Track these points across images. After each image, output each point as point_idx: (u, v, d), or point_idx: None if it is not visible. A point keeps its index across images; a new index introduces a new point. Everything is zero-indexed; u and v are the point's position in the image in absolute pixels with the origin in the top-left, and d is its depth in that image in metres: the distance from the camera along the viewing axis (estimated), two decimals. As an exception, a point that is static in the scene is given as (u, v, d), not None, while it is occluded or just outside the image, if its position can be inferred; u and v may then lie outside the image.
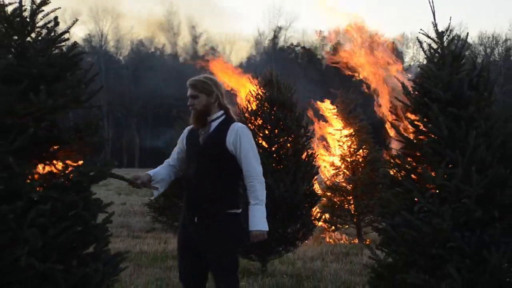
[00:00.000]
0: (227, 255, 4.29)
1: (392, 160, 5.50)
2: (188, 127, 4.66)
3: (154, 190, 4.54)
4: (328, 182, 12.94)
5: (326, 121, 13.55)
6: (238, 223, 4.33)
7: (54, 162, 4.14)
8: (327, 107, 13.39)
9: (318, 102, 13.62)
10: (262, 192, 4.39)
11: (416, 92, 5.35)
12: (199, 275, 4.41)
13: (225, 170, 4.31)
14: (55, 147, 4.15)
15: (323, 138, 13.59)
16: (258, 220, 4.29)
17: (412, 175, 5.19)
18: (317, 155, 12.07)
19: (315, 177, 8.98)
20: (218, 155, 4.30)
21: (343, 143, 12.97)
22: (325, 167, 13.16)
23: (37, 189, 3.96)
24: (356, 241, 12.35)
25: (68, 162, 4.13)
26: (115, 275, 4.37)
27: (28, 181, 3.97)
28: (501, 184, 4.89)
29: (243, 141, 4.31)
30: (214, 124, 4.45)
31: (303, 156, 8.66)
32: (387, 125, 7.97)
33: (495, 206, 4.86)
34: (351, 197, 12.55)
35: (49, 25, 4.25)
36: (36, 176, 4.05)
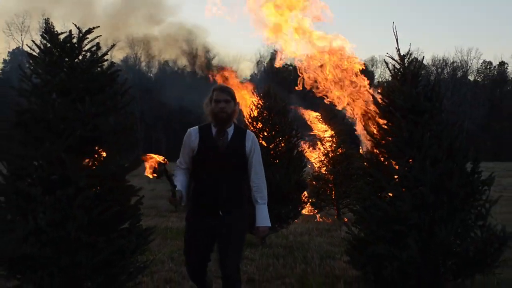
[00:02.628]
0: (243, 234, 4.02)
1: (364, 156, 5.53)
2: (193, 130, 4.00)
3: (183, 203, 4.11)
4: (315, 174, 12.91)
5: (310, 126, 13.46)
6: (248, 211, 4.04)
7: (97, 156, 4.16)
8: (312, 115, 13.35)
9: (306, 111, 13.54)
10: (266, 193, 4.08)
11: (383, 102, 5.36)
12: (206, 258, 4.01)
13: (240, 172, 3.95)
14: (98, 145, 4.17)
15: (311, 139, 13.53)
16: (266, 217, 3.99)
17: (380, 168, 5.20)
18: (306, 152, 12.10)
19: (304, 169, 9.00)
20: (239, 159, 3.91)
21: (326, 142, 12.96)
22: (312, 161, 13.13)
23: (84, 178, 3.97)
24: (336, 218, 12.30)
25: (108, 157, 4.14)
26: (146, 245, 4.38)
27: (77, 172, 3.99)
28: (449, 175, 4.89)
29: (256, 148, 4.00)
30: (230, 132, 3.96)
31: (294, 153, 8.68)
32: (360, 130, 7.90)
33: (444, 192, 4.86)
34: (332, 185, 12.53)
35: (92, 49, 4.27)
36: (83, 168, 4.06)
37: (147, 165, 3.99)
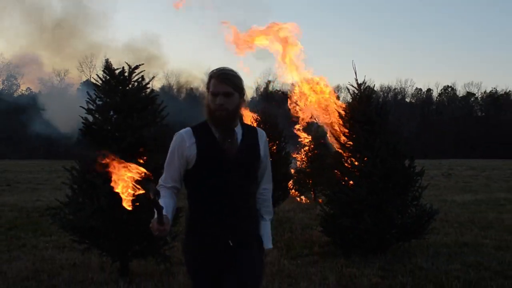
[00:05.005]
0: (261, 278, 1.98)
1: (333, 155, 5.51)
2: (186, 134, 1.96)
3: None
4: (298, 168, 12.81)
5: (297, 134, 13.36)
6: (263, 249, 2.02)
7: (142, 156, 4.13)
8: (296, 127, 13.26)
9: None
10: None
11: (346, 117, 5.35)
12: None
13: (253, 183, 2.00)
14: (142, 148, 4.14)
15: (295, 143, 13.42)
16: (270, 237, 2.06)
17: (344, 164, 5.18)
18: (293, 153, 12.01)
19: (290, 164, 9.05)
20: (253, 166, 1.97)
21: (306, 145, 12.89)
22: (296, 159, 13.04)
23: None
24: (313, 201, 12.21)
25: (149, 156, 4.11)
26: (177, 220, 4.30)
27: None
28: (393, 169, 4.87)
29: (267, 151, 2.07)
30: (238, 131, 1.97)
31: (283, 153, 8.76)
32: (329, 136, 7.78)
33: (390, 181, 4.84)
34: (310, 176, 12.44)
35: (138, 80, 4.25)
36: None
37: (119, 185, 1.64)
